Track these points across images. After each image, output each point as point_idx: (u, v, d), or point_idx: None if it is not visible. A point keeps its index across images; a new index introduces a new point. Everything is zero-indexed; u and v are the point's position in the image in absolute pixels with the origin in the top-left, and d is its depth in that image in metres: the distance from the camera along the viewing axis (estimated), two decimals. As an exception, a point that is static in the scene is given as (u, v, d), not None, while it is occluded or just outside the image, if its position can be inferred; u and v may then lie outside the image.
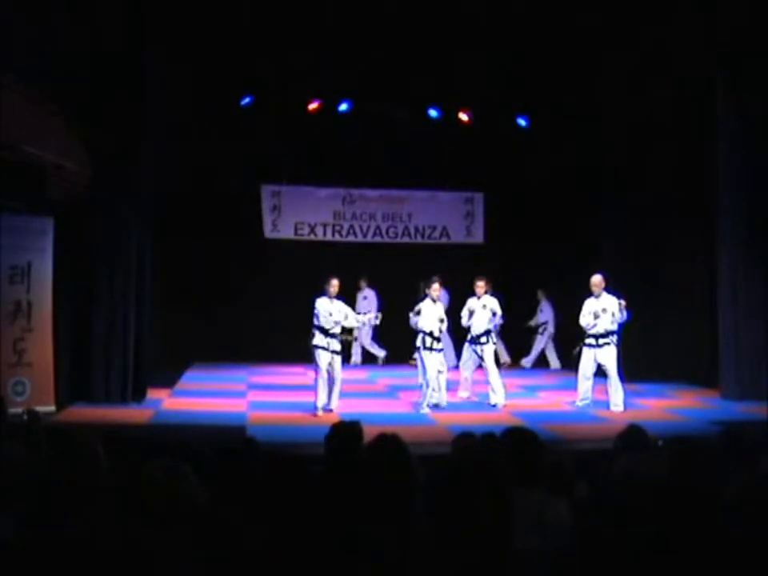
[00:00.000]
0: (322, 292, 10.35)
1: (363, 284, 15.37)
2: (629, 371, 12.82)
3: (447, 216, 15.97)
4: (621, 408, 10.42)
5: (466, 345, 11.43)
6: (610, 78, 12.47)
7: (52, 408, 9.46)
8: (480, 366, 11.33)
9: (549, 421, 9.40)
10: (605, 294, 10.73)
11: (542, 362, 15.54)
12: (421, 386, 10.52)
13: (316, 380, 10.10)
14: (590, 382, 10.82)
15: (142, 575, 2.87)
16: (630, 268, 13.12)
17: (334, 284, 10.33)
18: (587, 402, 10.79)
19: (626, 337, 13.13)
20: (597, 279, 10.83)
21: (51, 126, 9.67)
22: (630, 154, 12.88)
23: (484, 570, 2.53)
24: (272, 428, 8.92)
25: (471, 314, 11.17)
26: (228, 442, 3.93)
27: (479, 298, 11.27)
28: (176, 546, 2.93)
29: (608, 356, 10.63)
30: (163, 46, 10.51)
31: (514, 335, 15.06)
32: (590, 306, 10.76)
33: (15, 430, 5.72)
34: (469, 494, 2.70)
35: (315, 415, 9.79)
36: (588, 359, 10.76)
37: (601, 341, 10.68)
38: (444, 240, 15.94)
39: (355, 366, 14.97)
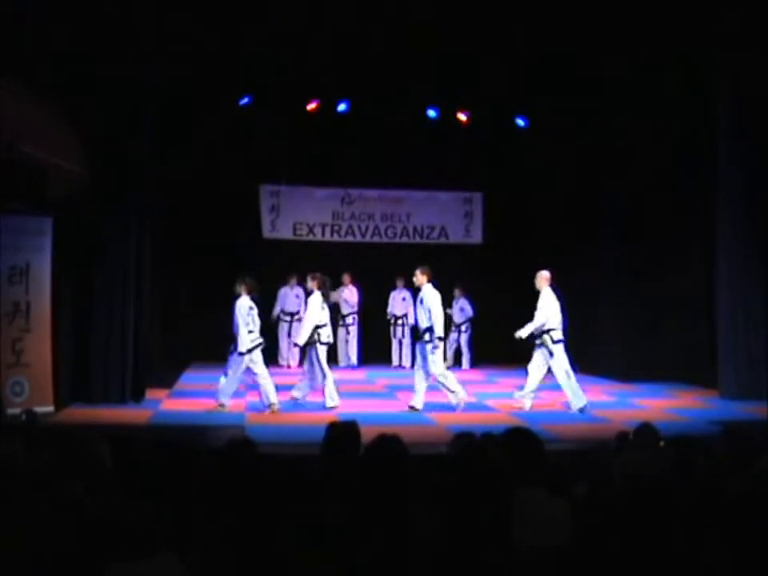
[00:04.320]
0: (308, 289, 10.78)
1: (347, 280, 15.04)
2: (627, 371, 12.86)
3: (446, 216, 15.95)
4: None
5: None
6: (609, 78, 12.47)
7: (50, 408, 9.44)
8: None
9: (548, 421, 9.39)
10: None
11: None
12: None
13: (317, 376, 10.44)
14: None
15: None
16: (629, 267, 13.14)
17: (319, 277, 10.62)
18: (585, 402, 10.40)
19: (625, 336, 13.17)
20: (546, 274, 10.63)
21: (50, 126, 9.66)
22: (629, 153, 12.88)
23: (484, 569, 2.53)
24: (270, 428, 8.92)
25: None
26: (226, 443, 3.91)
27: (419, 290, 10.49)
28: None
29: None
30: (162, 46, 10.50)
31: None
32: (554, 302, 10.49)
33: (14, 431, 5.71)
34: (468, 493, 2.70)
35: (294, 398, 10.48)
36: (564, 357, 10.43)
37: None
38: (443, 240, 15.93)
39: (351, 366, 14.92)
